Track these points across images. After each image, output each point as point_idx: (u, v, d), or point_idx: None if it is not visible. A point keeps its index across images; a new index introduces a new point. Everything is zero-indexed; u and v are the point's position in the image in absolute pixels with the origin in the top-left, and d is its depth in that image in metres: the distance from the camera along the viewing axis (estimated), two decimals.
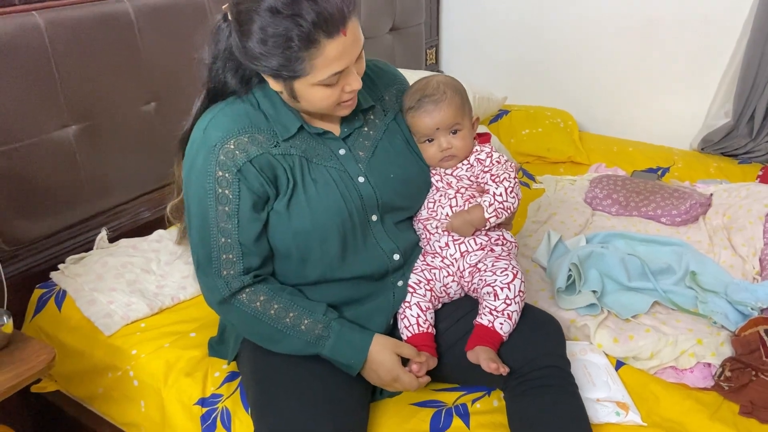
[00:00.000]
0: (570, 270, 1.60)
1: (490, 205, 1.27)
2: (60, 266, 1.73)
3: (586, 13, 2.76)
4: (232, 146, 1.12)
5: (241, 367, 1.33)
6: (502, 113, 2.78)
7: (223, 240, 1.15)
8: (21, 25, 1.55)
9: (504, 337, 1.23)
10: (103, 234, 1.82)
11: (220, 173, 1.12)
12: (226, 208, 1.13)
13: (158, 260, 1.78)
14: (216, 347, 1.45)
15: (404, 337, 1.28)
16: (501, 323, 1.23)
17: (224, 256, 1.16)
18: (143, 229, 1.93)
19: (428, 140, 1.32)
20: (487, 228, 1.32)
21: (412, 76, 1.47)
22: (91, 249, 1.81)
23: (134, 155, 1.89)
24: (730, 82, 2.50)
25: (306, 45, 1.01)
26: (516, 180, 1.31)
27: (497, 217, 1.27)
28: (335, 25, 1.02)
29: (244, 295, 1.17)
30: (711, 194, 2.12)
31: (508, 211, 1.29)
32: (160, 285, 1.69)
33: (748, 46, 2.37)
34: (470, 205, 1.31)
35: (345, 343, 1.18)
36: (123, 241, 1.84)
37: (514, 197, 1.29)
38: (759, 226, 1.85)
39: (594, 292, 1.57)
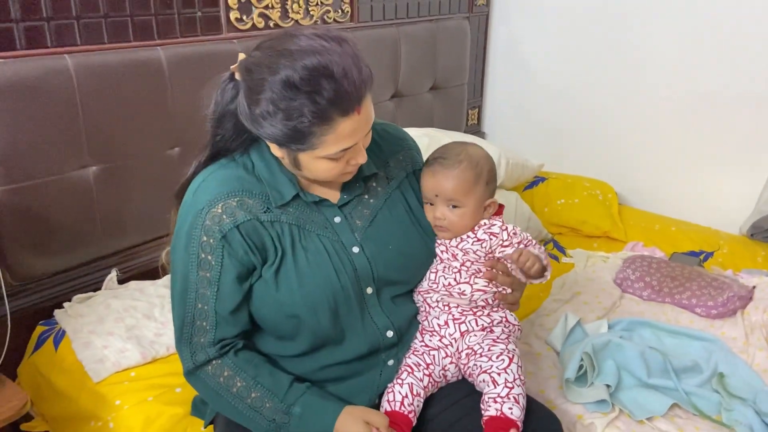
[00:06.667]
0: (582, 359, 1.48)
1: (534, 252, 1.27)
2: (65, 304, 1.72)
3: (636, 83, 2.66)
4: (220, 210, 1.09)
5: None
6: (538, 180, 2.69)
7: (199, 306, 1.12)
8: (51, 67, 1.59)
9: (518, 423, 1.12)
10: (113, 275, 1.82)
11: (205, 238, 1.09)
12: (207, 275, 1.10)
13: (162, 306, 1.75)
14: (199, 407, 1.39)
15: (382, 410, 1.18)
16: (510, 407, 1.13)
17: (198, 323, 1.12)
18: (155, 273, 1.91)
19: (430, 203, 1.27)
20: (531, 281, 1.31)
21: (445, 137, 1.43)
22: (100, 289, 1.80)
23: (153, 198, 1.89)
24: None
25: (318, 122, 0.99)
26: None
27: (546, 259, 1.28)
28: (351, 103, 0.99)
29: (209, 368, 1.13)
30: (754, 287, 1.96)
31: (546, 262, 1.28)
32: (159, 333, 1.66)
33: None
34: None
35: (307, 428, 1.10)
36: (132, 284, 1.84)
37: (545, 257, 1.29)
38: None
39: (608, 386, 1.45)
